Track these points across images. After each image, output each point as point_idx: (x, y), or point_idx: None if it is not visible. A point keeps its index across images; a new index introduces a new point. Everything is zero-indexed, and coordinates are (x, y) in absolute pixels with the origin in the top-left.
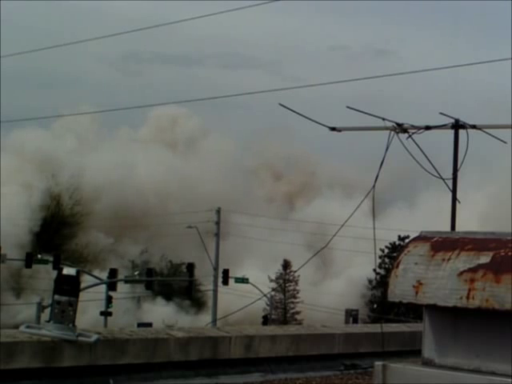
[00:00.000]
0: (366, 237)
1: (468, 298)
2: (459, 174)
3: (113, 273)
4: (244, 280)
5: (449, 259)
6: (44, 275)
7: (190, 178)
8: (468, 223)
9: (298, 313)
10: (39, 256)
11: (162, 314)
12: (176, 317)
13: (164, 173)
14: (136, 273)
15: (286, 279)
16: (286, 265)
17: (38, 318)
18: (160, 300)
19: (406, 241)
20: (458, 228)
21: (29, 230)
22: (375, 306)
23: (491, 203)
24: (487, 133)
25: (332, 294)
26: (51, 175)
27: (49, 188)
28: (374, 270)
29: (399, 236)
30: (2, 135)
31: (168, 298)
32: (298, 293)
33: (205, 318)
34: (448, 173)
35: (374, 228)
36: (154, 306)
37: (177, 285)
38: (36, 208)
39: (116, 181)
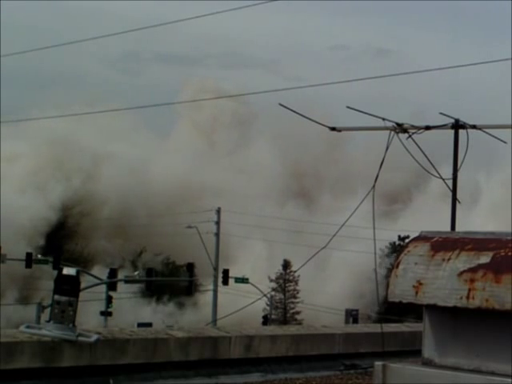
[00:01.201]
0: (366, 237)
1: (468, 298)
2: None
3: (113, 273)
4: (244, 280)
5: (449, 259)
6: (47, 276)
7: (203, 176)
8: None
9: (298, 313)
10: (39, 256)
11: (155, 313)
12: (169, 317)
13: (177, 172)
14: (136, 273)
15: (286, 279)
16: (286, 265)
17: (38, 317)
18: (151, 300)
19: (406, 241)
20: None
21: (40, 232)
22: (377, 307)
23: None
24: (487, 133)
25: (332, 294)
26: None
27: (60, 193)
28: (375, 270)
29: (399, 236)
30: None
31: (159, 298)
32: (298, 293)
33: (190, 318)
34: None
35: (374, 228)
36: (146, 306)
37: (177, 285)
38: (49, 209)
39: (119, 182)
